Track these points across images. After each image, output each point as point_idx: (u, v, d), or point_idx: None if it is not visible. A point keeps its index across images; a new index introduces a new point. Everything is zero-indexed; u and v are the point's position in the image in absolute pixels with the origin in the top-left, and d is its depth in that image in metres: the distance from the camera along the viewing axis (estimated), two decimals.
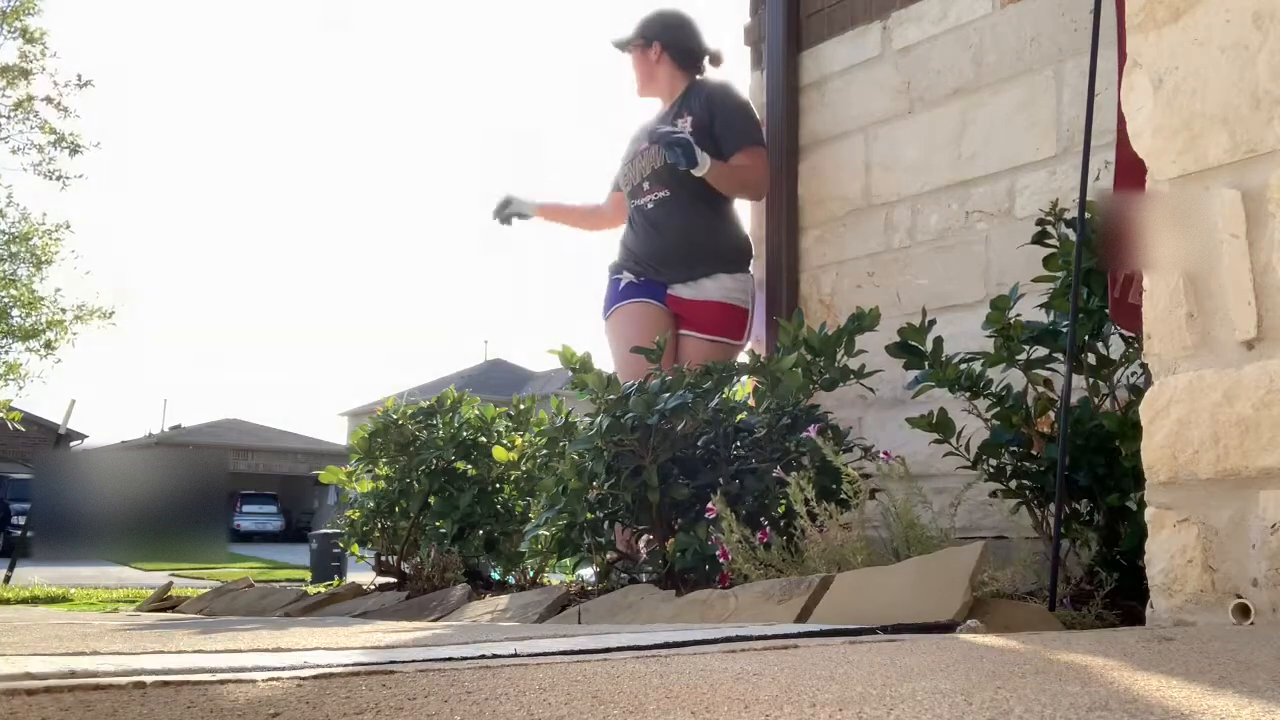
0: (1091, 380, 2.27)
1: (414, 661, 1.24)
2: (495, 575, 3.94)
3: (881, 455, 2.53)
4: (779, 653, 1.33)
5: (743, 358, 3.57)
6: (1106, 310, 2.18)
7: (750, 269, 3.81)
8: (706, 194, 3.69)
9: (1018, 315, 2.33)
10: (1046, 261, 2.30)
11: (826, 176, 3.75)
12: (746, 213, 3.96)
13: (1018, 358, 2.33)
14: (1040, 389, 2.33)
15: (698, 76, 3.92)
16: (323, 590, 3.94)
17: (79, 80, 12.33)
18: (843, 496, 2.40)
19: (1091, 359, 2.27)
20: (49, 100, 12.14)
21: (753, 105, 3.86)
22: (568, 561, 3.15)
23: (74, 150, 12.25)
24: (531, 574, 3.71)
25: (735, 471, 2.69)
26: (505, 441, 3.91)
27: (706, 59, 3.95)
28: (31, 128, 12.22)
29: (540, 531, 3.07)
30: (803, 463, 2.56)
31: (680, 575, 2.65)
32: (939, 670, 1.14)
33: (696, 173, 3.61)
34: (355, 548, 4.22)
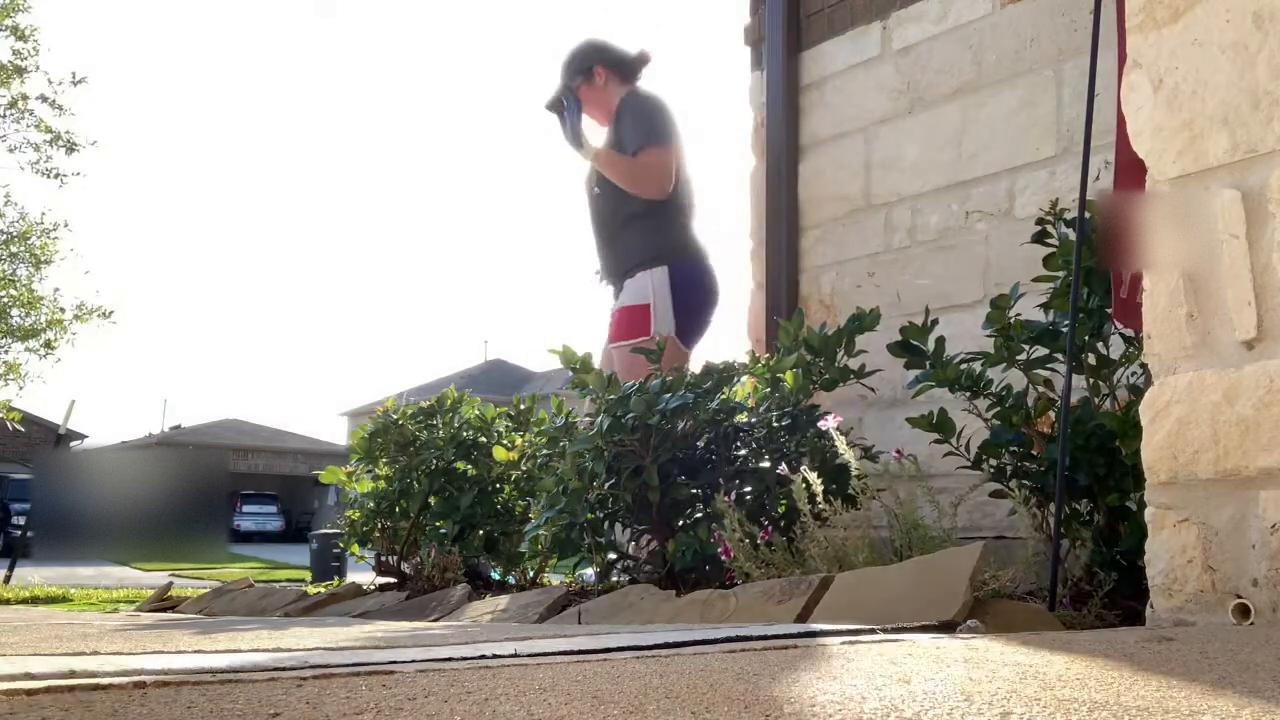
0: (1091, 380, 2.27)
1: (414, 661, 1.24)
2: (495, 575, 3.94)
3: (894, 454, 2.53)
4: (779, 653, 1.33)
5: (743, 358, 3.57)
6: (1107, 310, 2.18)
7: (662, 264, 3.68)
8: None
9: (1018, 315, 2.33)
10: (1046, 261, 2.30)
11: (826, 176, 3.75)
12: (747, 213, 3.97)
13: (1018, 358, 2.33)
14: (1040, 389, 2.33)
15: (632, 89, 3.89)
16: (323, 590, 3.94)
17: (73, 77, 12.26)
18: (850, 493, 2.40)
19: (1091, 359, 2.27)
20: (44, 98, 12.07)
21: (664, 107, 3.79)
22: (568, 561, 3.15)
23: (70, 148, 12.20)
24: (531, 574, 3.71)
25: (735, 471, 2.69)
26: (505, 441, 3.90)
27: (642, 66, 3.92)
28: (27, 126, 12.17)
29: (540, 531, 3.07)
30: (805, 462, 2.56)
31: (680, 575, 2.65)
32: (938, 671, 1.14)
33: (582, 155, 3.74)
34: (355, 548, 4.22)
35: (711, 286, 3.79)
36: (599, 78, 3.87)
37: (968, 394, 2.36)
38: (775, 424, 2.71)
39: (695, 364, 3.46)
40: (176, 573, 10.40)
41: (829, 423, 2.50)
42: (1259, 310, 1.62)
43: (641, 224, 3.71)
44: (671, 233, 3.74)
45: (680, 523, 2.72)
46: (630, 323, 3.63)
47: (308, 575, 10.22)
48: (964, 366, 2.37)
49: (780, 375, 2.79)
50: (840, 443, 2.42)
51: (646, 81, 3.96)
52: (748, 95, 4.04)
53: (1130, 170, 1.91)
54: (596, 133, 3.89)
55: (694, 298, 3.71)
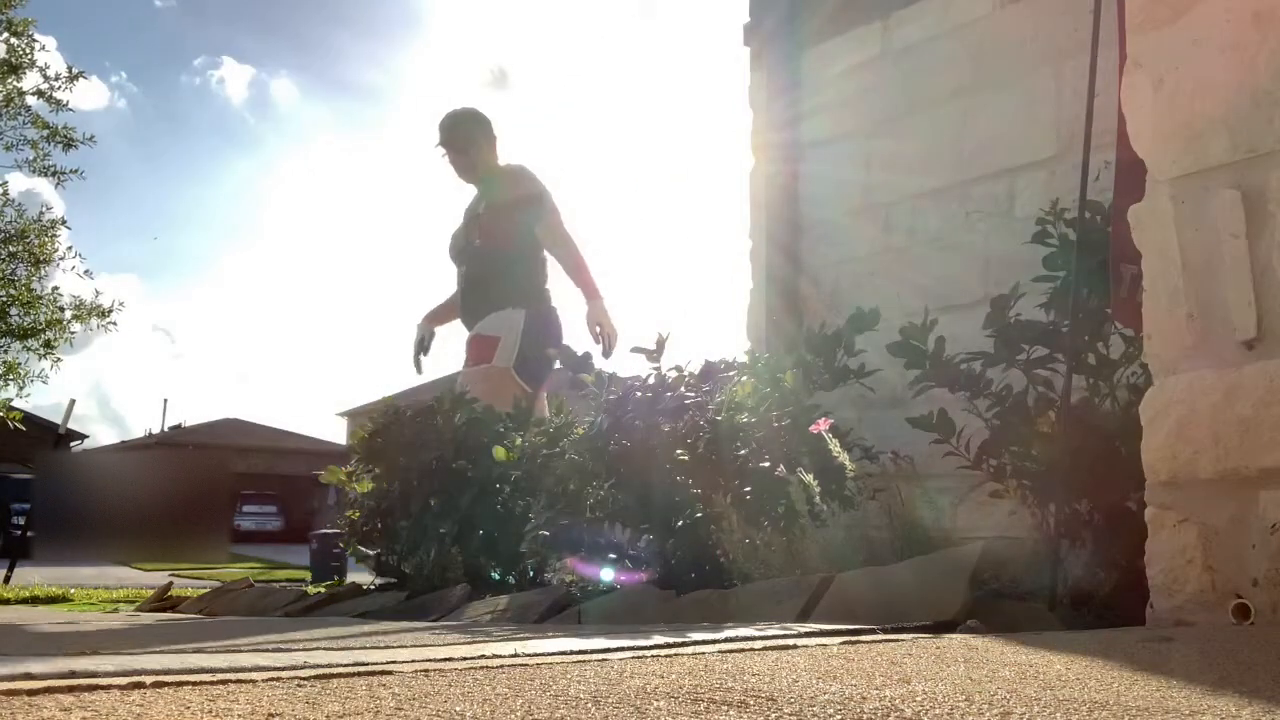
0: (1091, 380, 2.27)
1: (414, 662, 1.24)
2: (495, 575, 3.93)
3: (890, 455, 2.53)
4: (779, 653, 1.33)
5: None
6: (1108, 310, 2.18)
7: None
8: None
9: (1018, 315, 2.33)
10: (1046, 261, 2.30)
11: (826, 176, 3.74)
12: (746, 213, 3.97)
13: (1018, 358, 2.33)
14: (1040, 389, 2.33)
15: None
16: (323, 590, 3.94)
17: (70, 72, 12.20)
18: (847, 494, 2.40)
19: (1091, 359, 2.27)
20: (40, 93, 12.00)
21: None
22: (567, 561, 3.14)
23: (68, 145, 12.12)
24: (531, 574, 3.71)
25: (736, 471, 2.69)
26: (505, 441, 3.90)
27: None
28: (24, 123, 12.08)
29: (540, 531, 3.07)
30: (803, 463, 2.56)
31: (680, 575, 2.64)
32: (938, 671, 1.15)
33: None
34: (355, 548, 4.21)
35: (558, 332, 4.17)
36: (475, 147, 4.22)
37: (968, 394, 2.36)
38: (775, 424, 2.71)
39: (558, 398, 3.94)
40: (177, 573, 10.39)
41: (820, 426, 2.50)
42: (1259, 310, 1.62)
43: (508, 274, 4.10)
44: (533, 282, 4.14)
45: (680, 523, 2.72)
46: (480, 350, 4.04)
47: (308, 575, 10.21)
48: (964, 366, 2.37)
49: (780, 375, 2.79)
50: (834, 445, 2.42)
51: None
52: (747, 95, 4.04)
53: (1131, 170, 1.91)
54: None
55: (541, 340, 4.08)
